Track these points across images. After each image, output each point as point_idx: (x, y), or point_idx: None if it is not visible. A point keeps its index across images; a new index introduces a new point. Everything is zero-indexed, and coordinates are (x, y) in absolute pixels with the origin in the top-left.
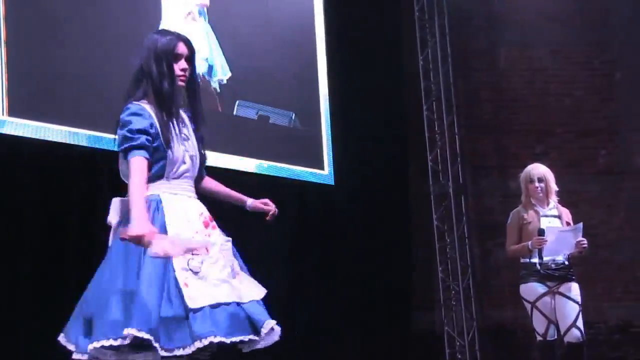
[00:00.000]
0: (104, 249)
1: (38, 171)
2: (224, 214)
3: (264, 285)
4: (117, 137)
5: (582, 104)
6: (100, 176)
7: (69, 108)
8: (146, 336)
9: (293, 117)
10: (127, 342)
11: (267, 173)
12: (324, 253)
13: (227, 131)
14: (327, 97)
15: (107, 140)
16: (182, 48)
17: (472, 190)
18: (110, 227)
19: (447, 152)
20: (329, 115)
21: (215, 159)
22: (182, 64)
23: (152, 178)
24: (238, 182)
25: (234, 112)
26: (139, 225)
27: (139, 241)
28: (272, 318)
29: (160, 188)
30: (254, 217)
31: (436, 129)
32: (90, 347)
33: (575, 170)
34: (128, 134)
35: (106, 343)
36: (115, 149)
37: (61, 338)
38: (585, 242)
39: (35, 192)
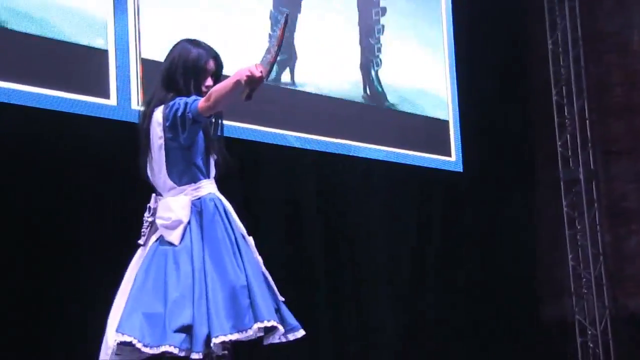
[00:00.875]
0: None
1: None
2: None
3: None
4: (173, 115)
5: None
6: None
7: None
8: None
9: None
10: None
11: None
12: (448, 241)
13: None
14: (455, 83)
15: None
16: (211, 65)
17: (603, 176)
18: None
19: (577, 137)
20: (456, 102)
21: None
22: (209, 81)
23: (205, 175)
24: (366, 169)
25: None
26: (238, 73)
27: (252, 78)
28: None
29: (212, 187)
30: (380, 207)
31: (566, 114)
32: (224, 338)
33: None
34: (187, 100)
35: (239, 336)
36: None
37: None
38: None
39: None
